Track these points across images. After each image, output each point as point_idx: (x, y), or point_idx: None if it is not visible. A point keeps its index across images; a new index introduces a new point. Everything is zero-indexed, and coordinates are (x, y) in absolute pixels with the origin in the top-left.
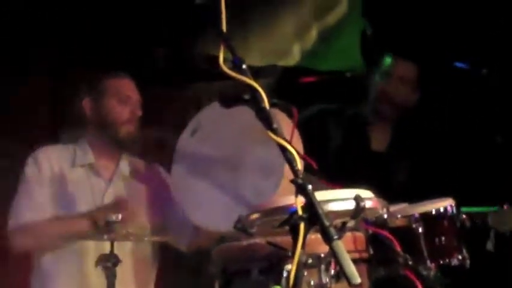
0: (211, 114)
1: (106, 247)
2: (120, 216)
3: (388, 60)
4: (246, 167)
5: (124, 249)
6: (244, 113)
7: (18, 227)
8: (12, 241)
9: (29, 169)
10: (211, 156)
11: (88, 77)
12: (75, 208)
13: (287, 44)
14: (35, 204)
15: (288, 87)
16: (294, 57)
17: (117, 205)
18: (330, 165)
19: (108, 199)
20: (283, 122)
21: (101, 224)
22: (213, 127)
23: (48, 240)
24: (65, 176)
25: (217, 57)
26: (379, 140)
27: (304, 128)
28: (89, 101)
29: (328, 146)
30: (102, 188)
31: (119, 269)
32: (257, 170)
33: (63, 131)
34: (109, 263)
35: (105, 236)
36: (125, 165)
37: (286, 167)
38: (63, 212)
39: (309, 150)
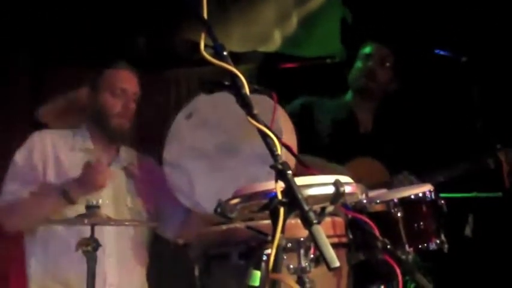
0: (208, 100)
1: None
2: (100, 201)
3: (368, 47)
4: (242, 153)
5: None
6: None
7: (2, 207)
8: (1, 222)
9: (19, 153)
10: (206, 140)
11: (92, 66)
12: None
13: (268, 30)
14: (19, 186)
15: (269, 73)
16: (274, 43)
17: (86, 169)
18: (323, 152)
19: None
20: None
21: (73, 196)
22: (209, 113)
23: (30, 218)
24: (61, 159)
25: (198, 44)
26: (364, 122)
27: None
28: (87, 91)
29: (318, 136)
30: None
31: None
32: (253, 157)
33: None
34: (89, 247)
35: (86, 220)
36: (124, 154)
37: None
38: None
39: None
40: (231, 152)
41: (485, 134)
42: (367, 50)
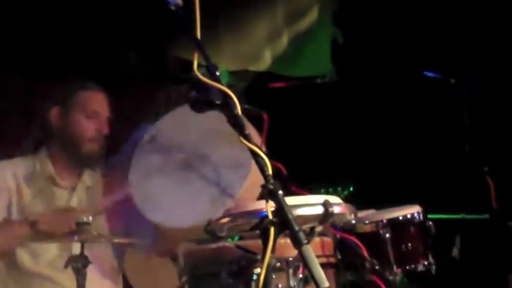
0: (170, 122)
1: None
2: (90, 218)
3: None
4: (211, 163)
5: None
6: (205, 119)
7: None
8: None
9: None
10: (171, 158)
11: (60, 86)
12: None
13: (258, 49)
14: None
15: (259, 92)
16: (264, 62)
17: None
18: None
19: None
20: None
21: (43, 228)
22: (172, 134)
23: None
24: (21, 188)
25: (189, 62)
26: None
27: None
28: (57, 111)
29: None
30: (66, 198)
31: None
32: (223, 165)
33: (28, 139)
34: (79, 264)
35: (76, 237)
36: (88, 176)
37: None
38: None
39: None
40: (199, 164)
41: (473, 156)
42: None
